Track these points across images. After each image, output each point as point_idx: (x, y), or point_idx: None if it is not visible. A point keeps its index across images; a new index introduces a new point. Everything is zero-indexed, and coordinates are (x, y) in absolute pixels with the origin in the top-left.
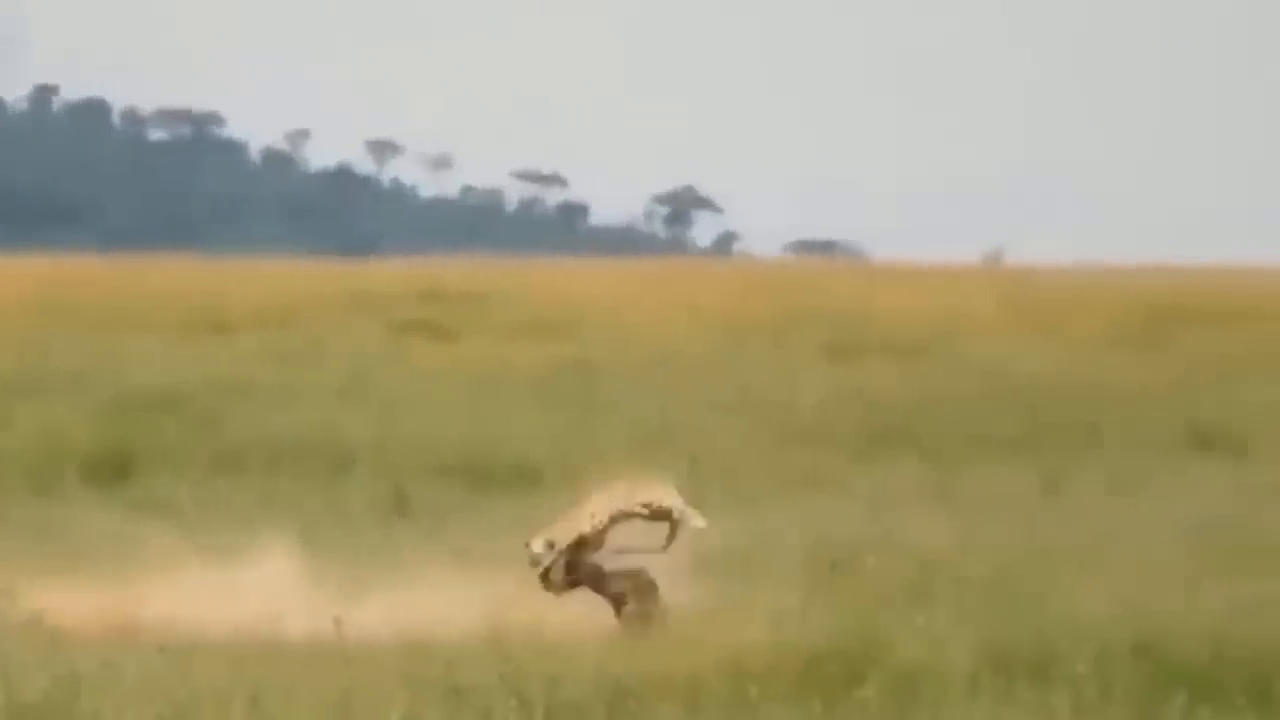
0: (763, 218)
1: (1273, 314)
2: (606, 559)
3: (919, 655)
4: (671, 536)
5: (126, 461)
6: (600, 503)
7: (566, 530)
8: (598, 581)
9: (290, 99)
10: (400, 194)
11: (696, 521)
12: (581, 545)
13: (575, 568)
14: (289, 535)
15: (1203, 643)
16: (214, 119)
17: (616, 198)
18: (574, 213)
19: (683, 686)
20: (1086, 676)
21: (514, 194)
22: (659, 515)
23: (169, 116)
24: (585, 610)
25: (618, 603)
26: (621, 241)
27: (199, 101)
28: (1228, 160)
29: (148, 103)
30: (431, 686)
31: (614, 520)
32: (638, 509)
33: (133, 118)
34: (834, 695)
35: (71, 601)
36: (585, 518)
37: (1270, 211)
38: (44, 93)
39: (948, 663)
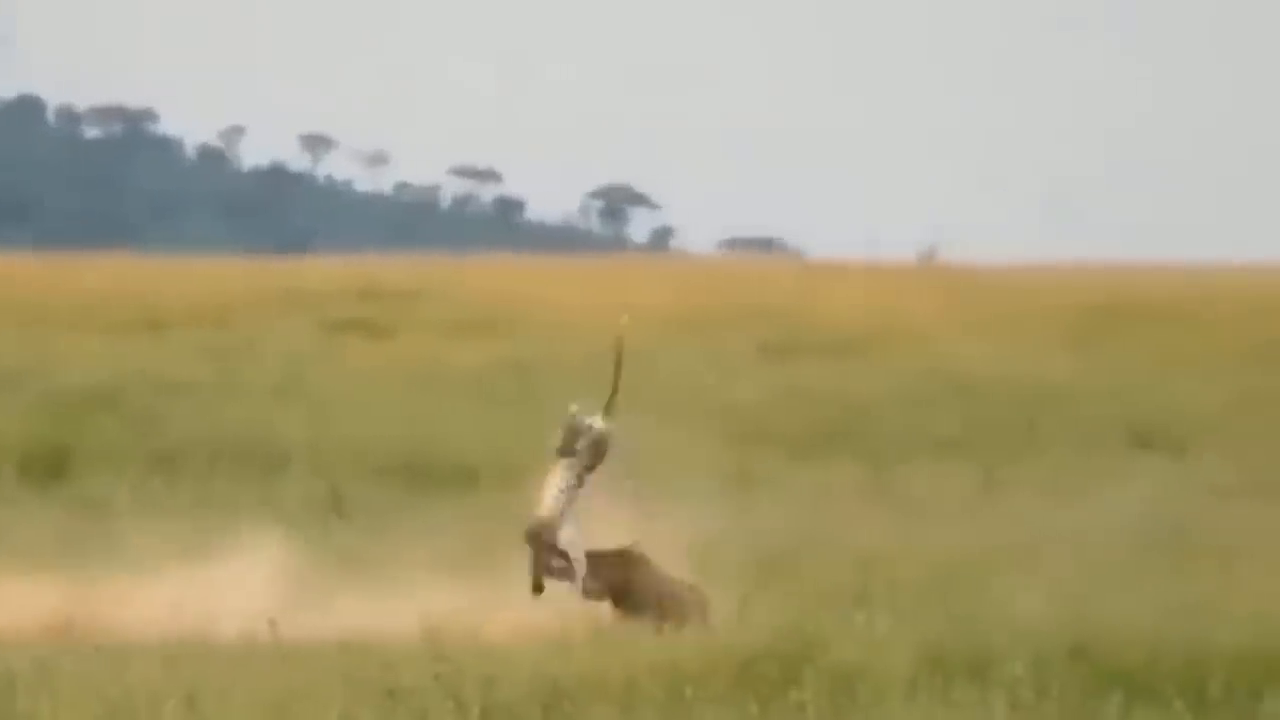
0: (699, 214)
1: (1211, 313)
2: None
3: (856, 656)
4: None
5: (62, 460)
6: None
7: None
8: (651, 603)
9: (224, 96)
10: (335, 190)
11: (596, 423)
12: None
13: (627, 588)
14: (226, 535)
15: (1139, 644)
16: (148, 116)
17: (552, 194)
18: (510, 209)
19: (618, 688)
20: (1023, 677)
21: (449, 190)
22: (598, 449)
23: (103, 114)
24: (521, 611)
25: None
26: (558, 238)
27: (133, 99)
28: (1166, 160)
29: (82, 100)
30: (368, 687)
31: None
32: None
33: (67, 115)
34: (770, 696)
35: (7, 601)
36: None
37: (1208, 210)
38: None
39: (885, 664)
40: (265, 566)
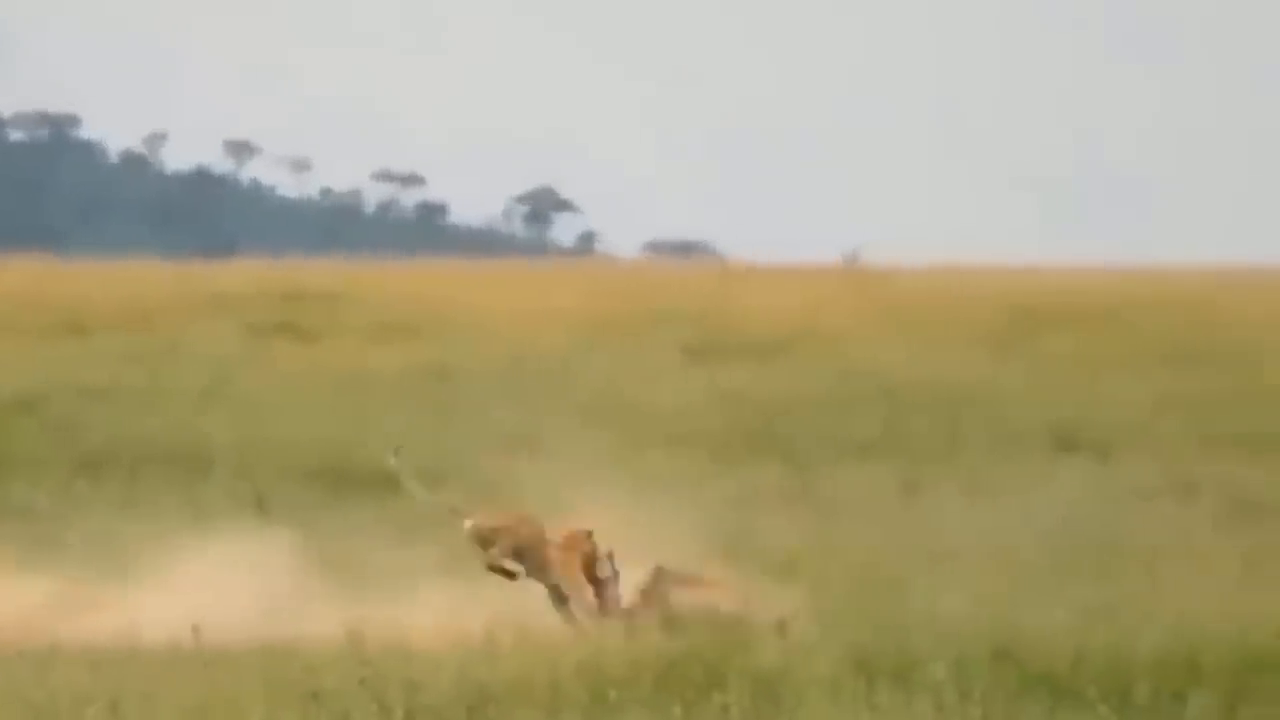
0: (623, 218)
1: (1133, 315)
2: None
3: (779, 659)
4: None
5: None
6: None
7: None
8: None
9: (148, 101)
10: (259, 195)
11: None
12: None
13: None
14: (149, 539)
15: (1063, 647)
16: (71, 121)
17: (476, 198)
18: (433, 213)
19: (543, 691)
20: (947, 680)
21: (373, 195)
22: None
23: (26, 119)
24: (446, 615)
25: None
26: (481, 242)
27: (57, 104)
28: (1087, 161)
29: (5, 105)
30: (291, 691)
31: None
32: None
33: None
34: (694, 699)
35: None
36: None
37: (1129, 211)
38: None
39: (808, 667)
40: (189, 571)
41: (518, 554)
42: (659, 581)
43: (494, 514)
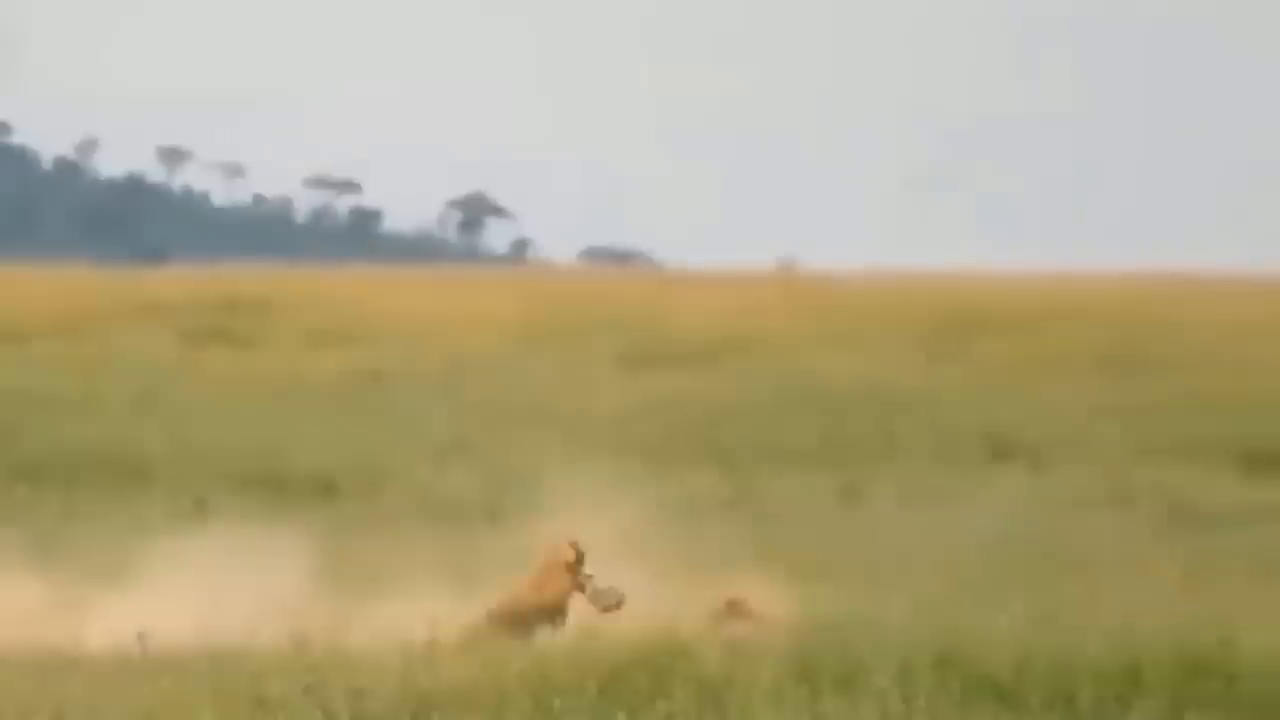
0: (557, 224)
1: (1069, 321)
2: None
3: (723, 667)
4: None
5: None
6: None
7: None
8: None
9: (79, 107)
10: (191, 202)
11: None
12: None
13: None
14: (88, 546)
15: (1007, 654)
16: (3, 128)
17: (410, 204)
18: (366, 219)
19: (487, 698)
20: (890, 687)
21: (306, 201)
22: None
23: None
24: (389, 621)
25: None
26: (415, 248)
27: None
28: (1023, 166)
29: None
30: (236, 698)
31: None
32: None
33: None
34: (638, 707)
35: None
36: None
37: (1065, 217)
38: None
39: (752, 674)
40: (130, 578)
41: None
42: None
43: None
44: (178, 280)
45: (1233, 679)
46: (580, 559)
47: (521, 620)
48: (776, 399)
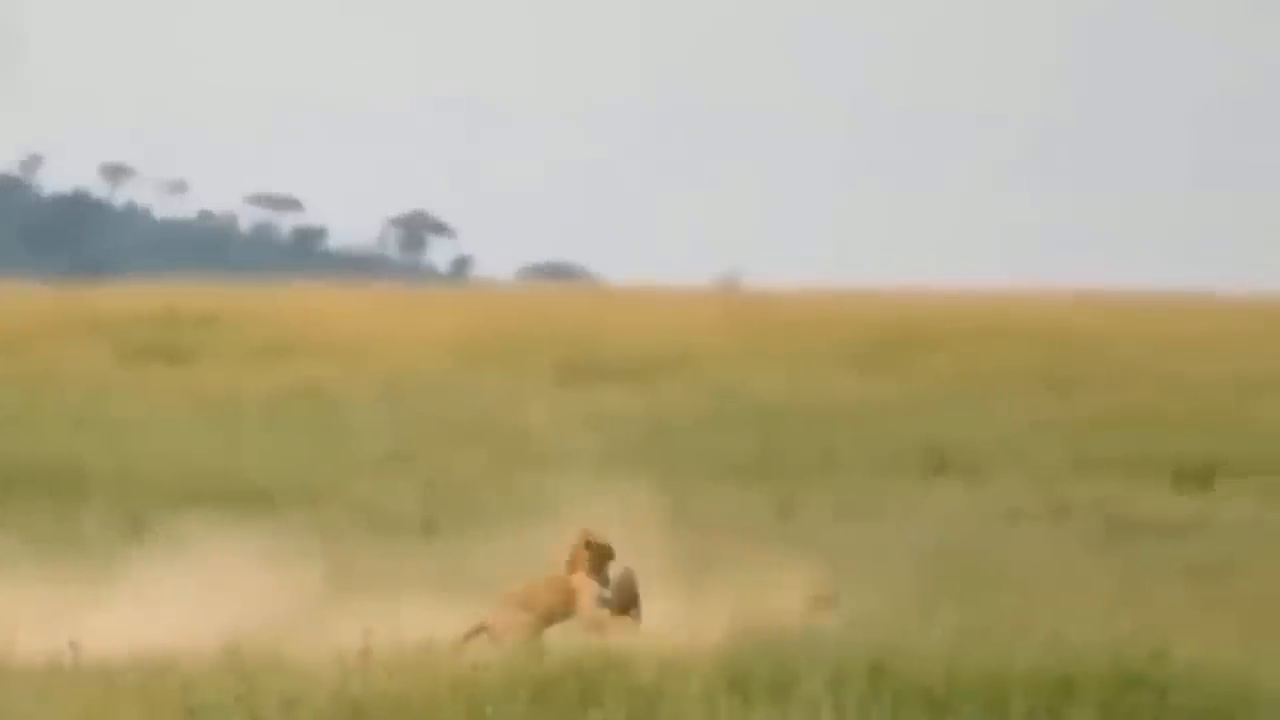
0: (498, 242)
1: (1006, 338)
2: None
3: (656, 676)
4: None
5: None
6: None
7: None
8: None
9: (22, 124)
10: (134, 218)
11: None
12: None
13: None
14: (24, 560)
15: (939, 664)
16: None
17: (352, 222)
18: (309, 237)
19: (420, 707)
20: (823, 697)
21: (250, 218)
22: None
23: None
24: (322, 631)
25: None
26: (357, 265)
27: None
28: (960, 182)
29: None
30: (168, 707)
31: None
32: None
33: None
34: (570, 716)
35: None
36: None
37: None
38: None
39: (685, 684)
40: (66, 591)
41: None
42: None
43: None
44: (119, 296)
45: (1164, 691)
46: (600, 553)
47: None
48: (715, 414)
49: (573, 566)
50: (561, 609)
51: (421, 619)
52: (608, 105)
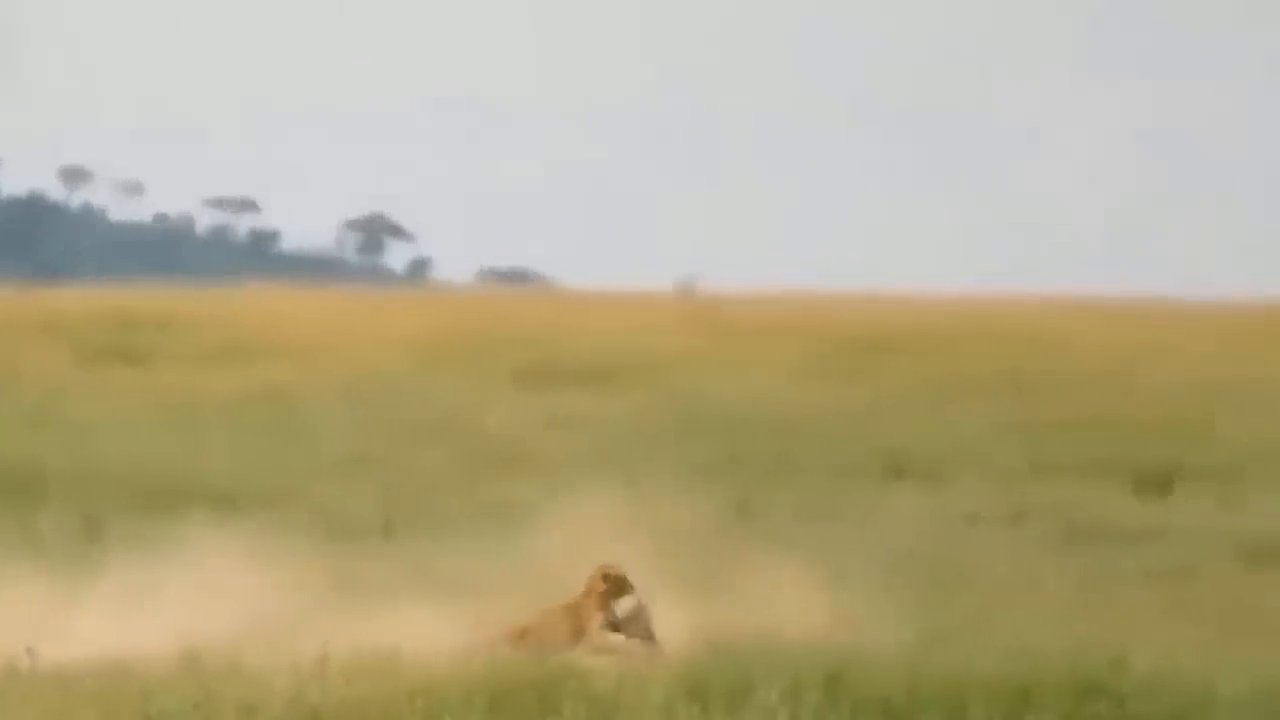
0: (456, 244)
1: (962, 344)
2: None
3: (614, 685)
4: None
5: None
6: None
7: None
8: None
9: None
10: (91, 220)
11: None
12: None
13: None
14: None
15: (898, 672)
16: None
17: (309, 224)
18: (266, 239)
19: (378, 714)
20: (780, 706)
21: (207, 220)
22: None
23: None
24: (280, 637)
25: None
26: (314, 268)
27: None
28: (919, 191)
29: None
30: (126, 713)
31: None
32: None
33: None
34: None
35: None
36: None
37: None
38: None
39: (642, 692)
40: (22, 595)
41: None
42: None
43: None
44: (76, 298)
45: (1123, 699)
46: (618, 584)
47: (536, 640)
48: (673, 419)
49: (586, 596)
50: (566, 637)
51: (381, 623)
52: (564, 108)
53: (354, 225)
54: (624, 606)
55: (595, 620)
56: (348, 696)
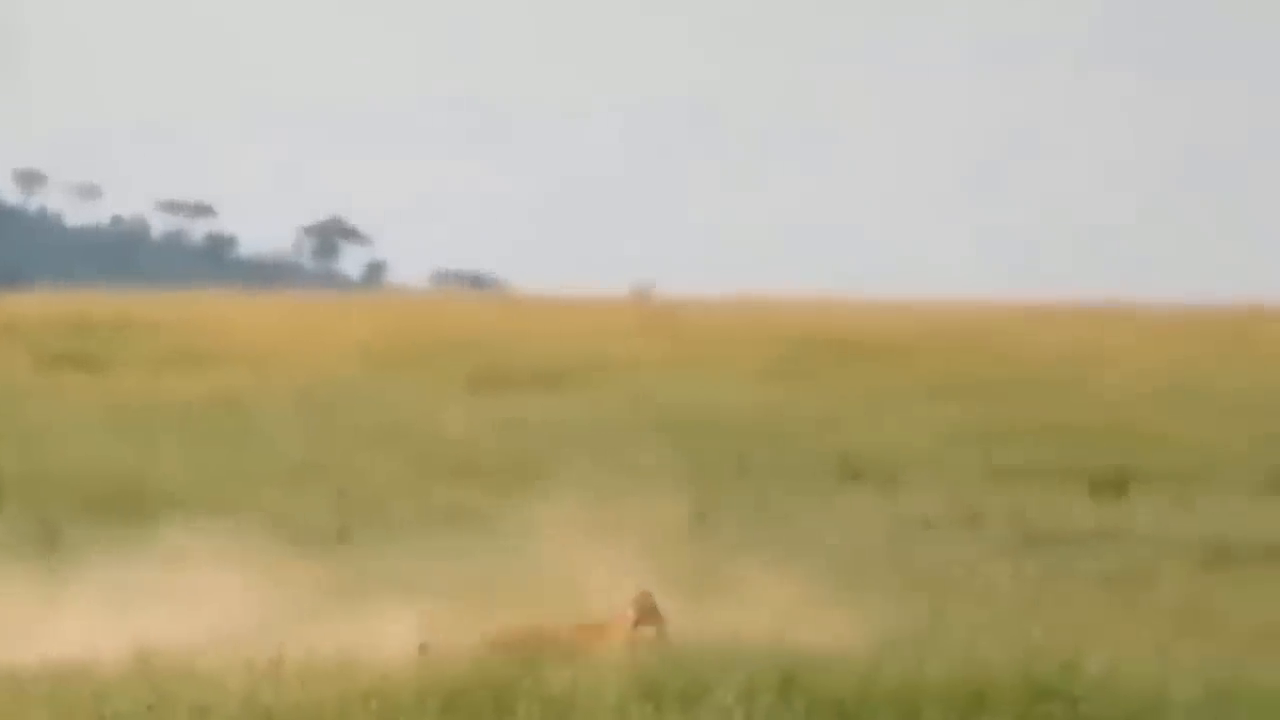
0: (410, 249)
1: (917, 348)
2: None
3: (568, 686)
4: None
5: None
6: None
7: None
8: None
9: None
10: (46, 224)
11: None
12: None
13: None
14: None
15: (852, 675)
16: None
17: (265, 228)
18: (222, 243)
19: (332, 715)
20: (735, 707)
21: (161, 224)
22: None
23: None
24: (234, 639)
25: None
26: (270, 272)
27: None
28: (875, 197)
29: None
30: (79, 716)
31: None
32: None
33: None
34: None
35: None
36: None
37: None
38: None
39: (597, 693)
40: None
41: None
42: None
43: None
44: (31, 302)
45: (1075, 702)
46: (647, 613)
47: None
48: (628, 423)
49: (617, 619)
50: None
51: (335, 626)
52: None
53: (310, 230)
54: (645, 634)
55: (613, 642)
56: (302, 699)
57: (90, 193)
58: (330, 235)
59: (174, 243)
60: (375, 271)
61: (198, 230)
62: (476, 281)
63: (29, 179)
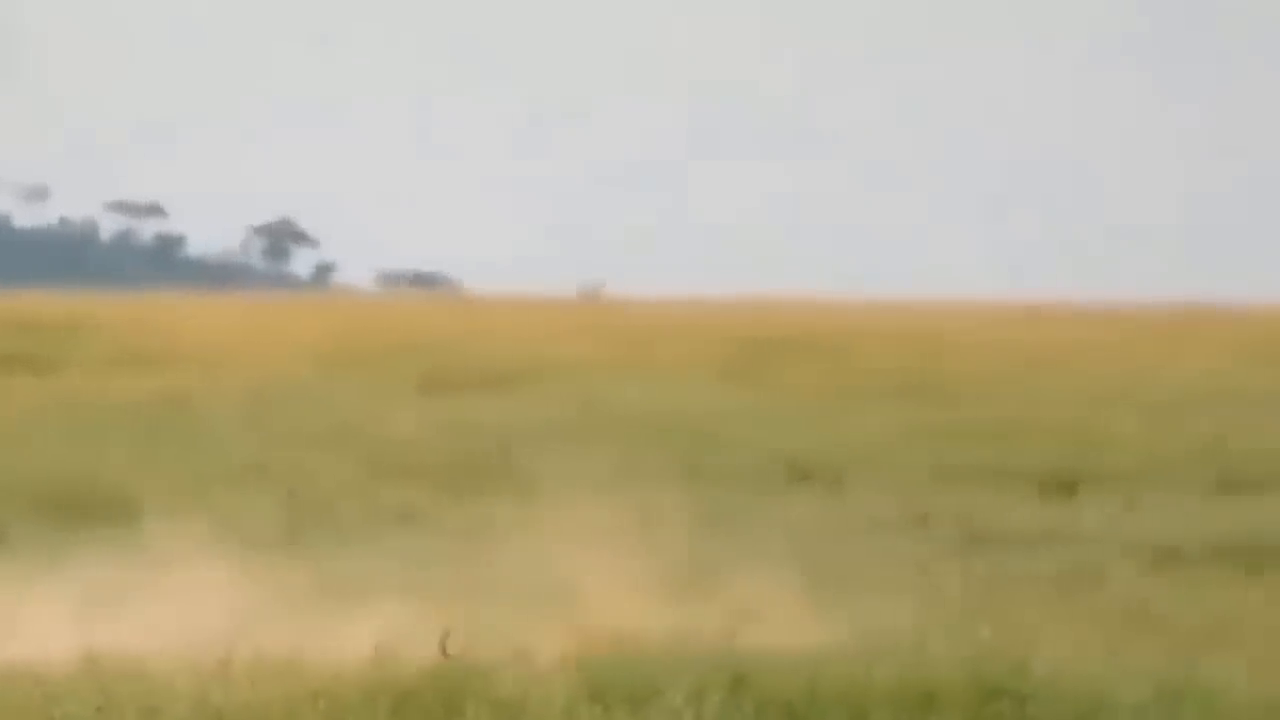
0: (360, 250)
1: (865, 348)
2: None
3: (517, 688)
4: None
5: None
6: None
7: None
8: None
9: None
10: None
11: None
12: None
13: None
14: None
15: (800, 675)
16: None
17: (214, 229)
18: (171, 244)
19: (281, 715)
20: (684, 709)
21: (111, 225)
22: None
23: None
24: (183, 640)
25: None
26: (219, 274)
27: None
28: (825, 195)
29: None
30: (26, 718)
31: None
32: None
33: None
34: None
35: None
36: None
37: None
38: None
39: (546, 695)
40: None
41: None
42: None
43: None
44: None
45: (1024, 701)
46: None
47: None
48: (575, 424)
49: None
50: None
51: (283, 626)
52: (475, 108)
53: (259, 230)
54: None
55: None
56: (251, 699)
57: (38, 194)
58: (279, 236)
59: (123, 243)
60: (324, 272)
61: (147, 231)
62: (426, 282)
63: None
